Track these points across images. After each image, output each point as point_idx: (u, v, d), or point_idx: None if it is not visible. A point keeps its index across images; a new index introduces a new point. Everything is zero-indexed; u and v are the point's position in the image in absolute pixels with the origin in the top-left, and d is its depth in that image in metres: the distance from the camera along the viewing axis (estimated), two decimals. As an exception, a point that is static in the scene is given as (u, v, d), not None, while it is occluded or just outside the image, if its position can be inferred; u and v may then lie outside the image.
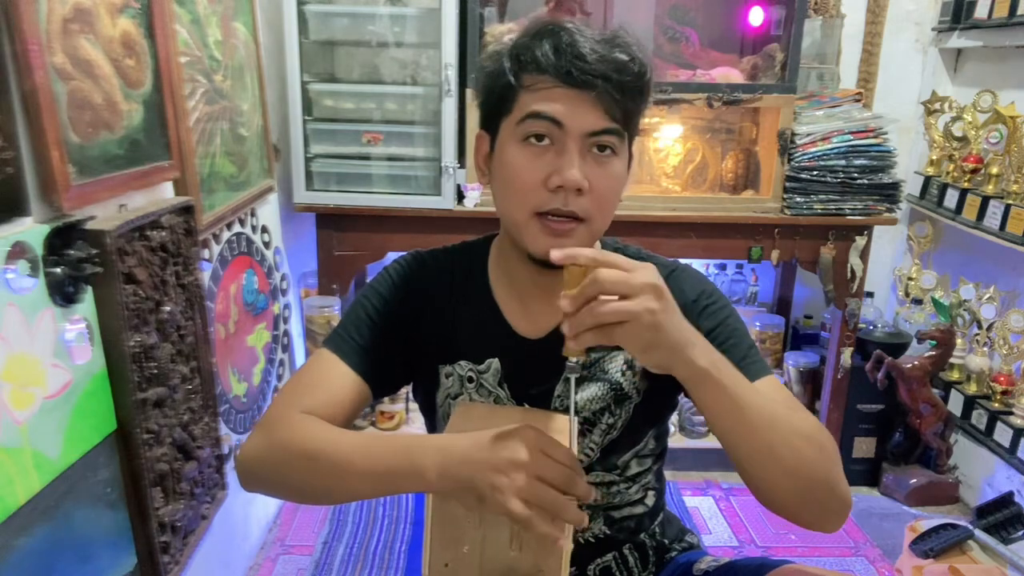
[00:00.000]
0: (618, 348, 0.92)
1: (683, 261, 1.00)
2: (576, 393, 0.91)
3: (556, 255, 0.69)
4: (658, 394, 0.95)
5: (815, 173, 2.03)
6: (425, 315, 0.95)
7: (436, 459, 0.74)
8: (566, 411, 0.92)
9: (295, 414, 0.84)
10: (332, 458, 0.79)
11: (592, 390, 0.93)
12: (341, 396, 0.89)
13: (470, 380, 0.95)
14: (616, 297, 0.67)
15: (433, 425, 1.01)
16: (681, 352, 0.70)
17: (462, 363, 0.95)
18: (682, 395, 1.02)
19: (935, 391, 2.17)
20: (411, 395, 2.27)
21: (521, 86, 0.82)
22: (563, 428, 0.83)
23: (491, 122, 0.88)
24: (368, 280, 0.98)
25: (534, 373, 0.93)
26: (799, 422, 0.78)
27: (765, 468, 0.76)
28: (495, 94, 0.86)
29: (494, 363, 0.94)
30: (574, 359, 0.73)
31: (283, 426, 0.83)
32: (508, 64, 0.84)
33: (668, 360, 0.70)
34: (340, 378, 0.89)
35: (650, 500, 1.00)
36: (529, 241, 0.85)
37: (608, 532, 0.98)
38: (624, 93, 0.81)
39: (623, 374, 0.94)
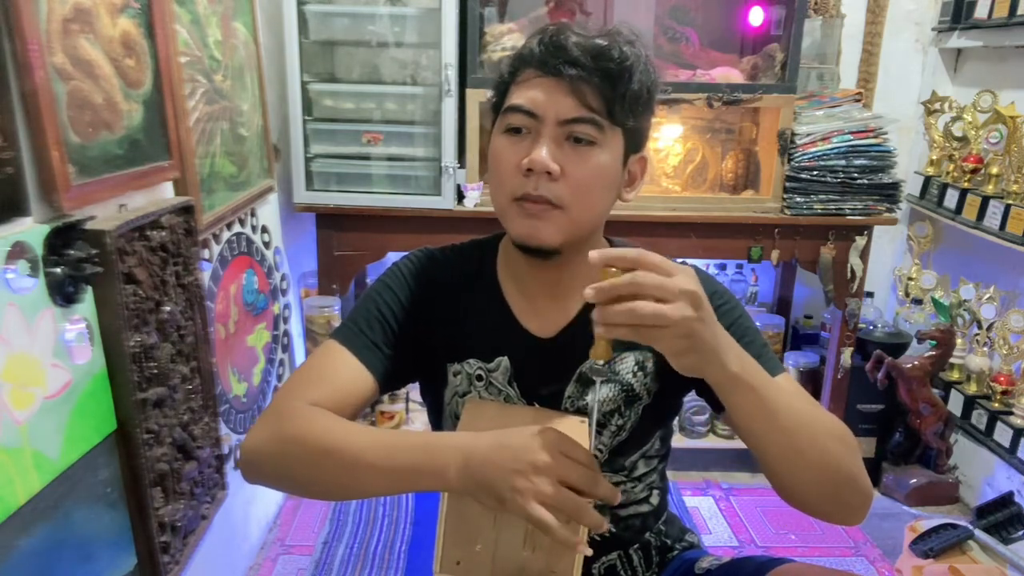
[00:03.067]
0: (631, 348, 0.93)
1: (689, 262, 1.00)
2: (588, 395, 0.92)
3: (593, 255, 0.68)
4: (667, 395, 0.96)
5: (815, 173, 2.03)
6: (435, 312, 0.95)
7: (457, 459, 0.74)
8: (577, 412, 0.92)
9: (304, 406, 0.83)
10: (347, 454, 0.78)
11: (603, 391, 0.93)
12: (349, 389, 0.88)
13: (479, 378, 0.94)
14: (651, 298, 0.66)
15: (439, 423, 1.01)
16: (714, 358, 0.70)
17: (471, 361, 0.94)
18: (686, 396, 1.02)
19: (935, 391, 2.17)
20: (410, 395, 2.28)
21: (512, 82, 0.86)
22: (575, 430, 0.82)
23: (494, 122, 0.90)
24: (369, 280, 0.98)
25: (545, 373, 0.93)
26: (823, 419, 0.80)
27: (795, 467, 0.77)
28: (496, 93, 0.89)
29: (504, 361, 0.93)
30: (600, 361, 0.72)
31: (292, 418, 0.82)
32: (507, 65, 0.87)
33: (700, 365, 0.71)
34: (349, 371, 0.89)
35: (655, 499, 1.01)
36: (509, 226, 0.87)
37: (614, 531, 0.98)
38: (604, 80, 0.81)
39: (634, 375, 0.94)
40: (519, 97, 0.84)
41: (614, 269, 0.68)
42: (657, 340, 0.68)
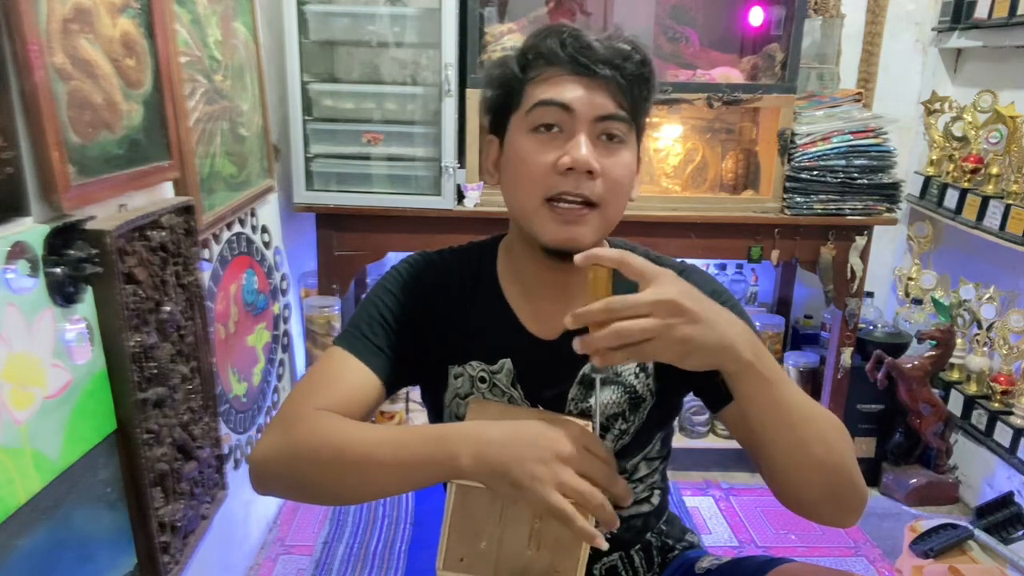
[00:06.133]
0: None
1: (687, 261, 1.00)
2: (589, 398, 0.92)
3: (578, 258, 0.69)
4: (668, 395, 0.96)
5: (815, 173, 2.03)
6: (436, 314, 0.95)
7: (469, 446, 0.74)
8: (581, 414, 0.92)
9: (311, 411, 0.83)
10: (359, 451, 0.77)
11: (607, 395, 0.93)
12: (357, 394, 0.88)
13: (483, 380, 0.94)
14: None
15: None
16: (722, 351, 0.70)
17: (474, 363, 0.94)
18: (685, 397, 1.02)
19: (935, 391, 2.17)
20: (410, 395, 2.28)
21: (528, 79, 0.85)
22: None
23: (499, 123, 0.89)
24: (369, 280, 0.98)
25: (548, 375, 0.93)
26: (825, 416, 0.81)
27: (799, 462, 0.77)
28: (502, 92, 0.88)
29: (507, 363, 0.94)
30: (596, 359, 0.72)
31: (303, 424, 0.82)
32: (515, 63, 0.86)
33: (709, 360, 0.71)
34: (355, 376, 0.89)
35: (656, 499, 1.01)
36: (540, 230, 0.84)
37: (615, 531, 0.98)
38: (630, 81, 0.83)
39: (636, 376, 0.94)
40: (550, 92, 0.82)
41: (603, 269, 0.70)
42: (654, 353, 0.68)
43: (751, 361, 0.72)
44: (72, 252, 0.94)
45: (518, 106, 0.86)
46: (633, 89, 0.83)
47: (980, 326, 2.13)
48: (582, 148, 0.81)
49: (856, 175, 2.03)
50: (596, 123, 0.82)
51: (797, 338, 2.58)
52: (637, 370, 0.94)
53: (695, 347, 0.68)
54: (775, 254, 2.10)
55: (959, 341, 2.17)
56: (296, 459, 0.81)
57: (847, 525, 0.83)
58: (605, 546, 0.74)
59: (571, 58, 0.82)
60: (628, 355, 0.69)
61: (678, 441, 2.31)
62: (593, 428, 0.81)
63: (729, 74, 2.09)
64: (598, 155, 0.82)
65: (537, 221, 0.84)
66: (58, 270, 0.92)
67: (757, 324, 2.48)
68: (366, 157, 2.03)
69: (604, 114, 0.82)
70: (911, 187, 2.40)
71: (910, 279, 2.45)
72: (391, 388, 0.93)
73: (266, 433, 0.85)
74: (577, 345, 0.69)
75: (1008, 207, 1.91)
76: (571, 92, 0.82)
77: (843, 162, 2.03)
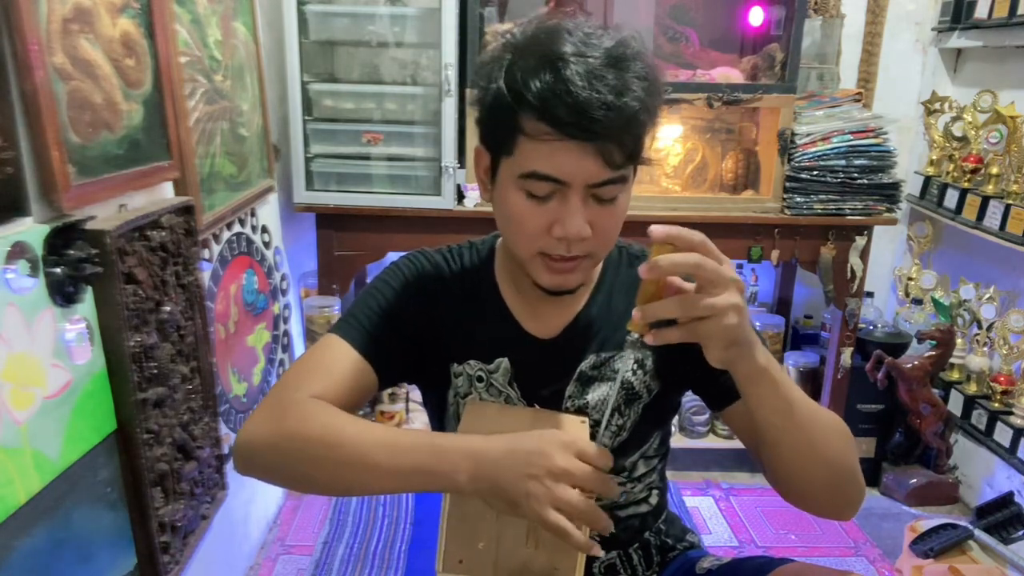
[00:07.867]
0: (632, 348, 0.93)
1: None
2: (586, 395, 0.93)
3: (658, 235, 0.67)
4: (666, 394, 0.96)
5: (815, 173, 2.03)
6: (434, 313, 0.95)
7: (468, 463, 0.73)
8: (577, 412, 0.92)
9: (305, 399, 0.82)
10: (351, 451, 0.77)
11: (603, 390, 0.93)
12: (349, 381, 0.87)
13: (480, 379, 0.94)
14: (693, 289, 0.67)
15: (441, 424, 1.01)
16: (748, 349, 0.71)
17: (471, 362, 0.94)
18: (684, 395, 1.02)
19: (935, 391, 2.17)
20: (410, 395, 2.28)
21: (521, 131, 0.77)
22: (575, 430, 0.83)
23: (489, 144, 0.84)
24: (369, 279, 0.98)
25: (545, 373, 0.93)
26: (828, 415, 0.82)
27: (805, 461, 0.79)
28: (493, 123, 0.82)
29: (503, 362, 0.94)
30: (637, 334, 0.71)
31: (295, 411, 0.81)
32: (507, 96, 0.77)
33: (736, 356, 0.71)
34: (349, 364, 0.88)
35: (654, 499, 1.01)
36: (533, 274, 0.86)
37: (613, 531, 0.98)
38: (631, 136, 0.78)
39: (634, 373, 0.94)
40: (542, 163, 0.77)
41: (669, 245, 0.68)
42: (707, 332, 0.68)
43: (764, 365, 0.73)
44: (72, 252, 0.94)
45: (510, 154, 0.80)
46: (633, 141, 0.78)
47: (980, 326, 2.13)
48: (576, 220, 0.78)
49: (856, 175, 2.03)
50: (590, 187, 0.79)
51: (797, 338, 2.58)
52: (635, 367, 0.94)
53: (738, 336, 0.69)
54: (775, 254, 2.10)
55: (959, 341, 2.17)
56: (285, 447, 0.80)
57: (847, 518, 0.86)
58: (602, 553, 0.74)
59: (566, 122, 0.74)
60: (682, 335, 0.68)
61: (678, 441, 2.31)
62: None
63: (729, 74, 2.09)
64: (591, 213, 0.80)
65: (531, 268, 0.85)
66: (58, 270, 0.92)
67: (757, 324, 2.48)
68: (366, 157, 2.03)
69: (598, 181, 0.78)
70: (911, 187, 2.40)
71: (910, 279, 2.45)
72: (385, 380, 0.92)
73: (256, 415, 0.83)
74: (636, 315, 0.69)
75: (1008, 207, 1.91)
76: (565, 162, 0.76)
77: (843, 162, 2.03)
